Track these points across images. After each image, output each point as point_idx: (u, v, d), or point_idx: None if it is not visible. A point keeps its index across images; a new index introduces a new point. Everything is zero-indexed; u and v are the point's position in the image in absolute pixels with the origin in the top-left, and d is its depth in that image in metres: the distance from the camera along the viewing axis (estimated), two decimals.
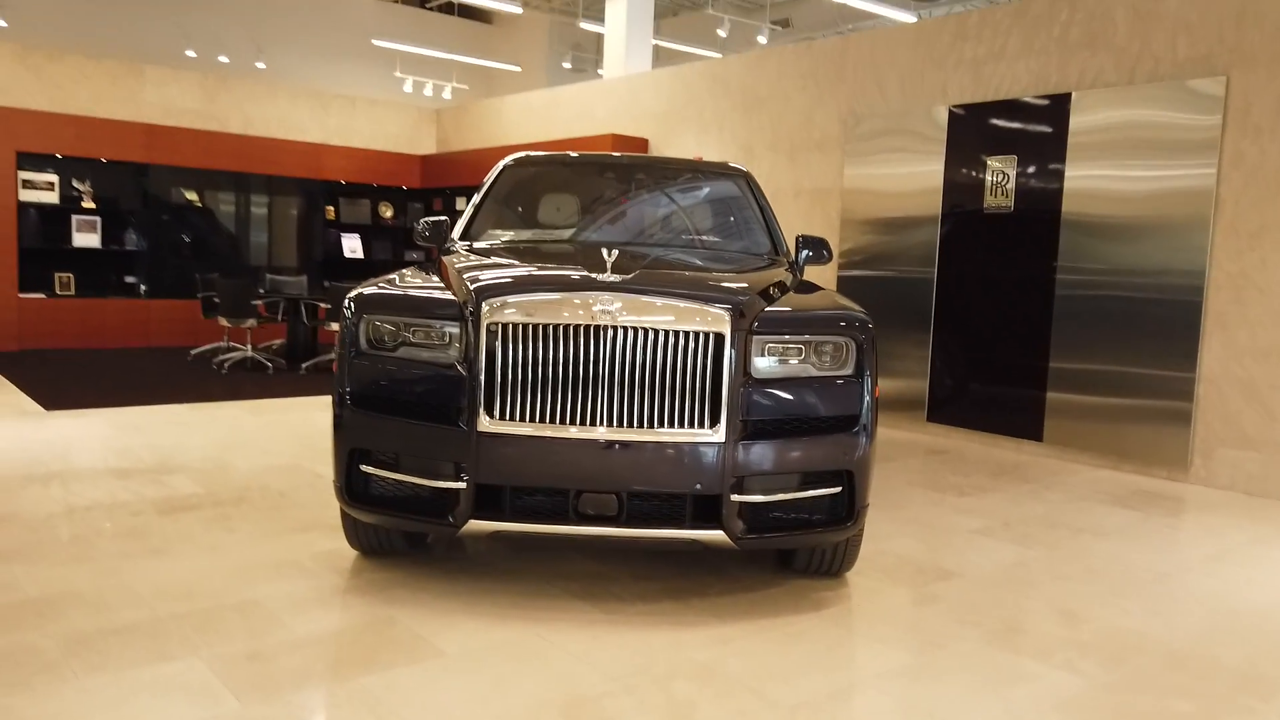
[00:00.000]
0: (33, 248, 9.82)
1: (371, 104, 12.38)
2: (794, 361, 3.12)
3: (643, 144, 9.35)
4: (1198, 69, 5.57)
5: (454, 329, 3.08)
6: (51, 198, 9.93)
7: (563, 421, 2.95)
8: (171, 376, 8.15)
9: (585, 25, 15.04)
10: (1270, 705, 2.71)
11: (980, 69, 6.64)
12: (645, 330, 2.95)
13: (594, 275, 3.06)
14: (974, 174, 6.66)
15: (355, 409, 3.16)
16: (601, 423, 2.95)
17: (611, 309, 2.94)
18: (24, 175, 9.69)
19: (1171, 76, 5.67)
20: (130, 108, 10.49)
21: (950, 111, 6.79)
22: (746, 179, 4.72)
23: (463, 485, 2.98)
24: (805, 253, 4.48)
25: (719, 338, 2.97)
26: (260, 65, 15.22)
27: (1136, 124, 5.80)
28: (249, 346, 8.96)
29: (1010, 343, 6.50)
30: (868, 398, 3.18)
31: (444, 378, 3.04)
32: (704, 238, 4.41)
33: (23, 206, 9.68)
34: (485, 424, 2.95)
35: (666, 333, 2.96)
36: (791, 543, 3.18)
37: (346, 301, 3.25)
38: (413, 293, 3.24)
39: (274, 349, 9.70)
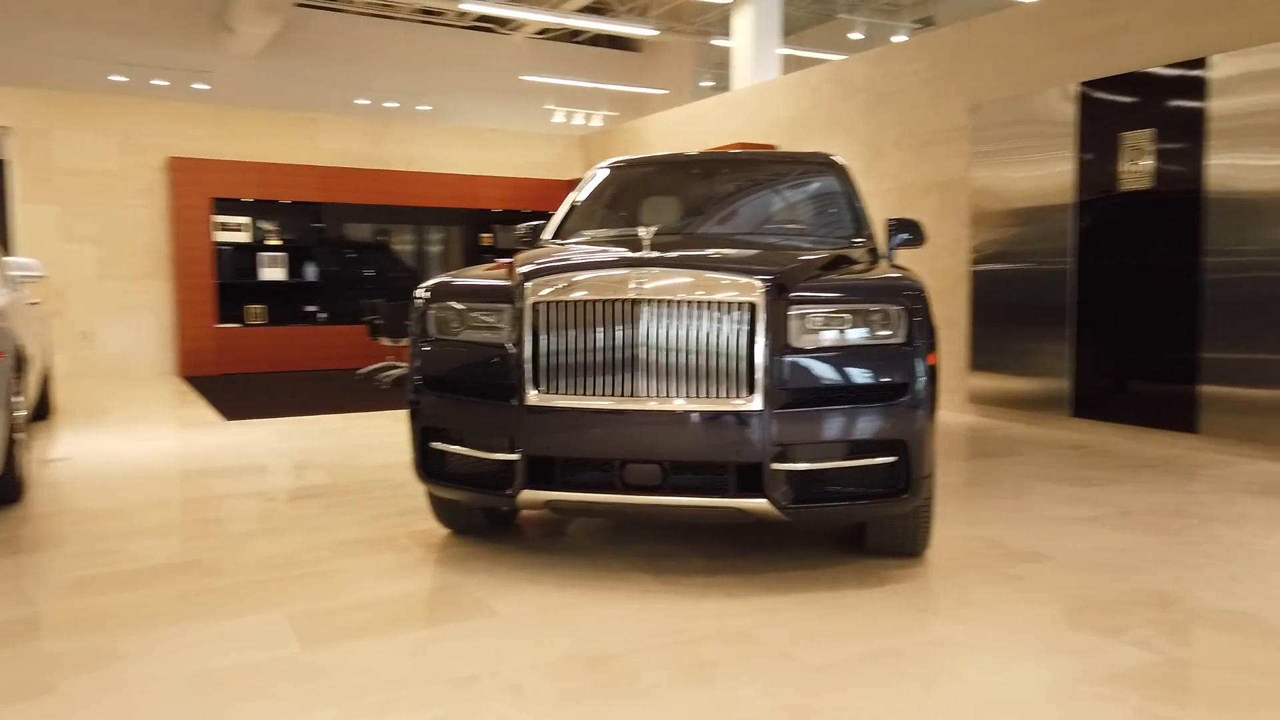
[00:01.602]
0: (228, 283, 10.98)
1: (521, 136, 13.06)
2: (838, 331, 3.10)
3: (770, 150, 9.34)
4: None
5: (508, 311, 3.27)
6: (242, 237, 11.06)
7: (603, 393, 3.06)
8: (337, 392, 8.86)
9: (718, 42, 15.18)
10: None
11: (1111, 41, 6.26)
12: (679, 303, 3.02)
13: (632, 254, 3.17)
14: (1109, 154, 6.27)
15: (427, 391, 3.40)
16: (640, 394, 3.03)
17: (647, 285, 3.03)
18: (219, 219, 10.86)
19: None
20: (307, 153, 11.54)
21: (1081, 89, 6.43)
22: (834, 167, 4.69)
23: (516, 457, 3.14)
24: (901, 235, 4.42)
25: (751, 307, 3.00)
26: (422, 108, 16.31)
27: None
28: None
29: (1158, 331, 6.05)
30: (921, 366, 3.10)
31: (498, 357, 3.22)
32: (785, 225, 4.41)
33: (219, 246, 10.85)
34: (532, 398, 3.10)
35: (700, 304, 3.02)
36: (843, 514, 3.13)
37: (418, 292, 3.50)
38: (475, 281, 3.45)
39: None
